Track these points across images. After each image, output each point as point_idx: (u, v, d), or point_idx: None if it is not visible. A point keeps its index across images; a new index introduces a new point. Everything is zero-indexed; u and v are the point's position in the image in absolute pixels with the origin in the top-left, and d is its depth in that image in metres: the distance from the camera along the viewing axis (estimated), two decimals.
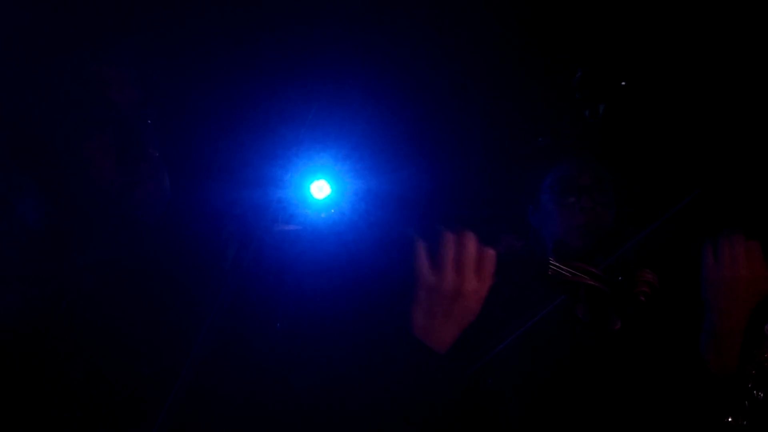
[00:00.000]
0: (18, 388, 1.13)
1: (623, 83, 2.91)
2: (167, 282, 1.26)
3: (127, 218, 1.21)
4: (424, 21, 2.68)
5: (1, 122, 1.21)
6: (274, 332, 1.31)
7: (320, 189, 1.52)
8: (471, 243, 1.20)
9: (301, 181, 1.50)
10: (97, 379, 1.15)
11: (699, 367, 1.71)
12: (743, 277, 1.65)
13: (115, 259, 1.23)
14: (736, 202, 2.35)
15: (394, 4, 2.62)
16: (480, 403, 1.89)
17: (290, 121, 2.40)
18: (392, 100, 2.80)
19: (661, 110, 2.90)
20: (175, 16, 2.12)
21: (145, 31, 1.34)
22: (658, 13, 2.69)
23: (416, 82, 2.90)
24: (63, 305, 1.18)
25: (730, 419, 1.71)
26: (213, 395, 1.20)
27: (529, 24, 2.79)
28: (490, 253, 1.22)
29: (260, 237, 1.26)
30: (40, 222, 1.22)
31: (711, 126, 2.79)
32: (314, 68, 2.60)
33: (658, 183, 2.68)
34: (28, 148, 1.20)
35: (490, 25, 2.74)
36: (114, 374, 1.16)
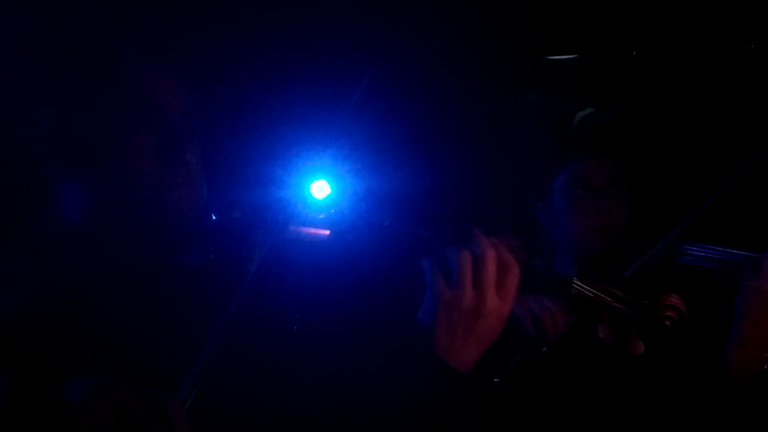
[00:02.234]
0: (43, 380, 1.15)
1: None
2: (193, 282, 1.28)
3: (161, 219, 1.22)
4: (426, 18, 2.67)
5: (51, 118, 1.27)
6: (289, 333, 1.32)
7: (320, 189, 1.52)
8: (491, 261, 1.16)
9: (301, 181, 1.50)
10: (118, 371, 1.17)
11: (723, 374, 1.72)
12: None
13: (144, 257, 1.26)
14: None
15: (395, 4, 2.61)
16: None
17: (290, 121, 2.40)
18: (393, 100, 2.79)
19: (684, 108, 2.87)
20: (174, 15, 2.12)
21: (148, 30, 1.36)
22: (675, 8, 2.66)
23: (417, 81, 2.89)
24: (89, 298, 1.21)
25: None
26: (229, 389, 1.22)
27: (532, 20, 2.78)
28: (514, 271, 1.17)
29: (283, 240, 1.27)
30: (79, 218, 1.26)
31: (740, 126, 2.75)
32: (314, 68, 2.60)
33: (675, 179, 2.65)
34: (74, 143, 1.25)
35: (493, 22, 2.73)
36: (135, 367, 1.18)
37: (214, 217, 1.35)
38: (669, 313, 1.29)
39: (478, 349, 1.17)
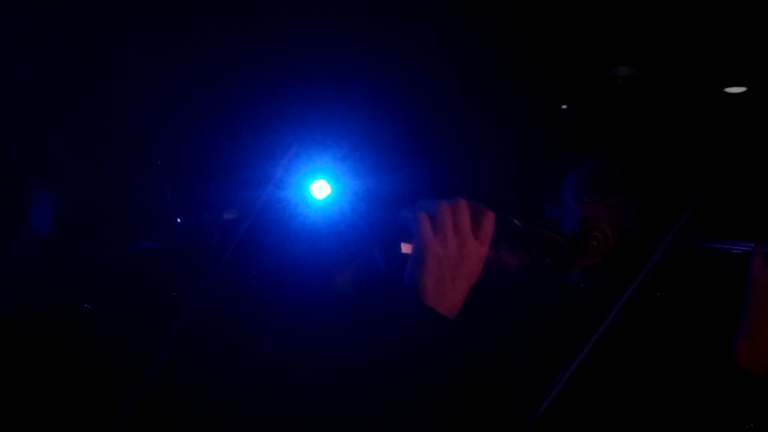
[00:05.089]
0: (19, 387, 1.15)
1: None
2: (161, 281, 1.29)
3: (127, 220, 1.25)
4: (427, 16, 2.68)
5: (29, 131, 1.30)
6: (274, 329, 1.34)
7: (320, 189, 1.53)
8: (464, 207, 1.27)
9: (301, 181, 1.50)
10: (90, 374, 1.18)
11: (732, 366, 1.73)
12: None
13: (111, 258, 1.27)
14: None
15: (395, 4, 2.62)
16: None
17: (290, 121, 2.40)
18: (393, 100, 2.80)
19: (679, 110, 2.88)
20: (175, 16, 2.13)
21: (146, 31, 1.37)
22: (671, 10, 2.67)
23: (418, 80, 2.89)
24: (55, 298, 1.22)
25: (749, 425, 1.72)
26: (217, 392, 1.23)
27: (535, 20, 2.78)
28: (489, 215, 1.29)
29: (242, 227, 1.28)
30: (50, 228, 1.29)
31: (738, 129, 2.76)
32: (314, 68, 2.60)
33: (678, 186, 2.67)
34: (47, 153, 1.29)
35: (495, 21, 2.74)
36: (105, 369, 1.19)
37: (179, 220, 1.36)
38: (594, 233, 1.55)
39: (462, 293, 1.26)
